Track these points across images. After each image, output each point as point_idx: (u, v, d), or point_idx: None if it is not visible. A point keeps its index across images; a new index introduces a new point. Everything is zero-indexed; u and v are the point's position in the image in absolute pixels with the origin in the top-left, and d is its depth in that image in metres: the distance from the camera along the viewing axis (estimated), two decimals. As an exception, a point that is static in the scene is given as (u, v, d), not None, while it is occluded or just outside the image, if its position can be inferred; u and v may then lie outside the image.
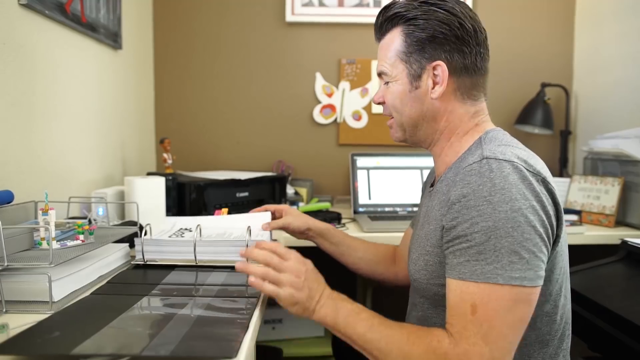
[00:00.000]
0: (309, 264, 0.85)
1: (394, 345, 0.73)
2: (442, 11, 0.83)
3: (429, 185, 0.99)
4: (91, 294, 0.83)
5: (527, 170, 0.73)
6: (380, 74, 0.92)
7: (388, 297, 2.01)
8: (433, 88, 0.85)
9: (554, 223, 0.74)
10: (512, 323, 0.69)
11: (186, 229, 1.11)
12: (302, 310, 0.80)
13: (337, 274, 2.17)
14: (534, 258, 0.70)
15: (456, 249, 0.73)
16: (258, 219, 1.13)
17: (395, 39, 0.87)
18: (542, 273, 0.71)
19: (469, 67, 0.85)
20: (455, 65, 0.84)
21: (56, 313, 0.73)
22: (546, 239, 0.72)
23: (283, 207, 1.19)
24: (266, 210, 1.17)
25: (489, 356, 0.68)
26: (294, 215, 1.16)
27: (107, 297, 0.82)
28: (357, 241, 1.19)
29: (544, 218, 0.72)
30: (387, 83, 0.90)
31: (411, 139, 0.92)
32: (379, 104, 0.94)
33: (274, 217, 1.17)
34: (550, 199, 0.74)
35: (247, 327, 0.68)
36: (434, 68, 0.84)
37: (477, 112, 0.88)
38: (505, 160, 0.73)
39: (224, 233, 1.09)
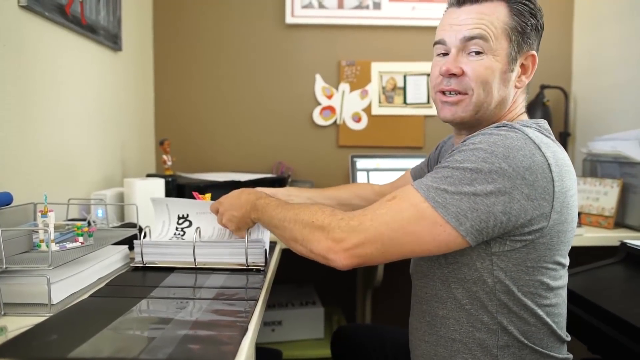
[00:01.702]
0: (224, 205, 0.99)
1: (297, 215, 0.82)
2: (533, 3, 0.83)
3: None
4: (89, 296, 0.83)
5: (539, 149, 0.72)
6: (472, 39, 0.80)
7: (388, 298, 2.01)
8: (519, 76, 0.85)
9: (528, 207, 0.71)
10: (403, 227, 0.72)
11: (183, 218, 1.11)
12: (246, 225, 0.97)
13: (337, 274, 2.17)
14: (466, 201, 0.70)
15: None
16: None
17: (500, 12, 0.81)
18: (467, 223, 0.70)
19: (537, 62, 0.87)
20: (537, 59, 0.85)
21: (54, 316, 0.73)
22: (493, 204, 0.69)
23: None
24: None
25: (364, 228, 0.73)
26: None
27: (105, 299, 0.82)
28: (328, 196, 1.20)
29: (508, 188, 0.69)
30: (478, 53, 0.80)
31: (470, 122, 0.85)
32: (451, 75, 0.82)
33: None
34: (542, 185, 0.71)
35: (246, 330, 0.68)
36: (526, 57, 0.84)
37: (524, 107, 0.90)
38: (521, 131, 0.74)
39: (224, 230, 1.08)
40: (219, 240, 1.06)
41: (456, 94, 0.83)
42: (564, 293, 0.83)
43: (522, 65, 0.83)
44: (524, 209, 0.71)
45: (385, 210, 0.73)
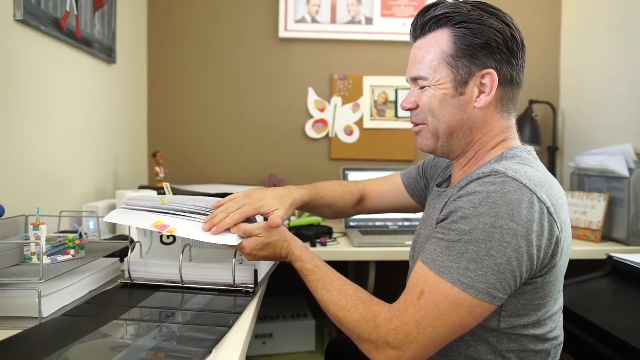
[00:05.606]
0: (262, 242, 0.91)
1: (332, 308, 0.83)
2: (495, 19, 0.81)
3: (436, 179, 1.02)
4: (62, 315, 0.80)
5: (535, 194, 0.71)
6: (416, 79, 0.86)
7: (388, 299, 2.01)
8: (478, 96, 0.82)
9: (541, 255, 0.72)
10: (446, 322, 0.71)
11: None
12: (271, 258, 0.95)
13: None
14: (491, 274, 0.70)
15: (434, 237, 0.76)
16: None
17: (441, 40, 0.82)
18: (498, 294, 0.71)
19: (514, 79, 0.83)
20: (503, 76, 0.82)
21: (20, 333, 0.71)
22: (517, 266, 0.70)
23: (260, 205, 0.97)
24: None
25: (413, 339, 0.72)
26: (280, 208, 0.97)
27: (75, 319, 0.79)
28: (330, 196, 1.16)
29: (524, 247, 0.70)
30: (422, 88, 0.85)
31: (441, 149, 0.88)
32: (408, 109, 0.89)
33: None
34: (548, 230, 0.72)
35: None
36: (483, 76, 0.81)
37: (509, 127, 0.86)
38: (514, 178, 0.72)
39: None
40: (206, 260, 1.02)
41: (416, 124, 0.89)
42: (561, 312, 0.84)
43: (482, 84, 0.82)
44: (541, 259, 0.72)
45: (423, 312, 0.72)
